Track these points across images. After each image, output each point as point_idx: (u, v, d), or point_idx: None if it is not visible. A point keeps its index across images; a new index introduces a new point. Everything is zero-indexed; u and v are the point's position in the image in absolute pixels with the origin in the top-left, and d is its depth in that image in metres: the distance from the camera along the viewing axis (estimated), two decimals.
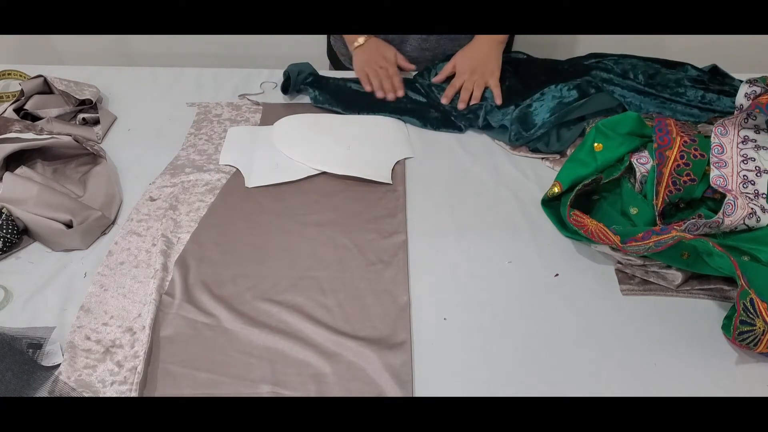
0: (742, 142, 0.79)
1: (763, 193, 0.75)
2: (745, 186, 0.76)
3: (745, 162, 0.78)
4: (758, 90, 0.80)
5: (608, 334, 0.67)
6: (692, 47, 1.34)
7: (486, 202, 0.85)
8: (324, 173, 0.88)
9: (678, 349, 0.66)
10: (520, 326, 0.68)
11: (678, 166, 0.78)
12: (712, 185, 0.76)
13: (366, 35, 1.08)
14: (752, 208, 0.73)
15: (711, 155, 0.79)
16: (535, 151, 0.93)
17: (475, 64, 1.01)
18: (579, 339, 0.67)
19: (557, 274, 0.74)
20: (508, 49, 1.23)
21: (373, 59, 1.06)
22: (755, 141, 0.79)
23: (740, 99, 0.82)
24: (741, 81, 0.84)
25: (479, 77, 1.00)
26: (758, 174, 0.77)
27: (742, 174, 0.77)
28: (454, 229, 0.81)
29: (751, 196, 0.75)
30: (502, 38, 1.04)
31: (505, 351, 0.66)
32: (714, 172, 0.77)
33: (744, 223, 0.73)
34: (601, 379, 0.63)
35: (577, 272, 0.75)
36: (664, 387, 0.62)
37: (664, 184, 0.76)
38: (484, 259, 0.76)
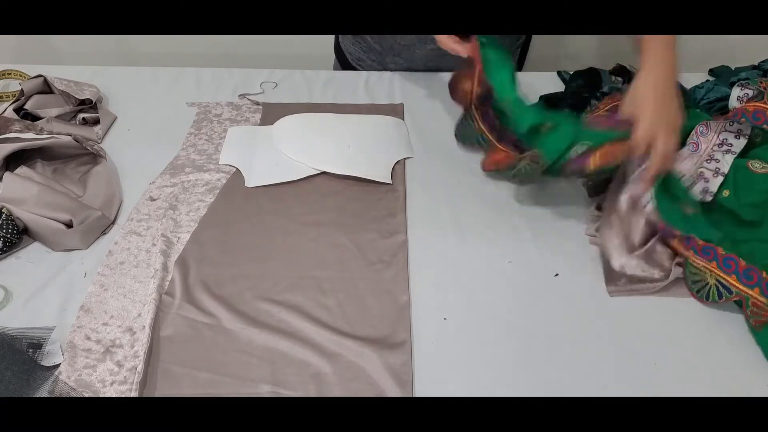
0: (719, 144, 0.78)
1: (711, 192, 0.76)
2: (697, 180, 0.77)
3: (709, 161, 0.77)
4: (750, 93, 0.79)
5: (608, 334, 0.67)
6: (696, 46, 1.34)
7: (486, 202, 0.85)
8: (324, 173, 0.88)
9: (677, 349, 0.66)
10: (520, 326, 0.68)
11: None
12: None
13: None
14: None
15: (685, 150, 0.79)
16: None
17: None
18: (579, 339, 0.67)
19: (557, 274, 0.74)
20: (519, 63, 1.22)
21: None
22: (732, 146, 0.78)
23: (733, 102, 0.81)
24: None
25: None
26: (715, 175, 0.76)
27: (699, 171, 0.77)
28: (454, 229, 0.81)
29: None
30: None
31: (505, 351, 0.66)
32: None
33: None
34: (600, 379, 0.63)
35: (577, 272, 0.75)
36: (663, 387, 0.62)
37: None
38: (484, 259, 0.76)
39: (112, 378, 0.62)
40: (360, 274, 0.74)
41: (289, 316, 0.68)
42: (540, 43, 1.51)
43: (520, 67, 1.21)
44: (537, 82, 1.06)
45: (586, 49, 1.62)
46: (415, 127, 1.00)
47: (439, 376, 0.63)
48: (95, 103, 0.98)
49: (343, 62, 1.22)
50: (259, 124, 1.00)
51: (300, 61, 1.26)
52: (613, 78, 1.00)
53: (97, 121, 0.97)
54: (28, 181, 0.78)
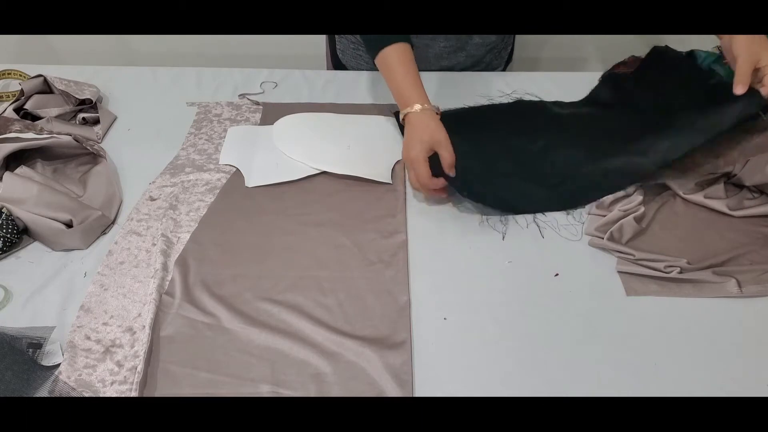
0: None
1: None
2: None
3: None
4: None
5: (608, 333, 0.67)
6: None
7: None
8: (324, 173, 0.88)
9: (678, 349, 0.66)
10: (520, 326, 0.68)
11: None
12: None
13: (422, 103, 0.82)
14: None
15: None
16: None
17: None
18: (579, 339, 0.67)
19: (557, 274, 0.74)
20: (506, 63, 1.22)
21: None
22: None
23: None
24: None
25: None
26: None
27: None
28: (454, 229, 0.81)
29: None
30: None
31: (505, 351, 0.66)
32: None
33: None
34: (601, 379, 0.63)
35: (577, 272, 0.75)
36: (664, 387, 0.62)
37: None
38: (484, 259, 0.76)
39: (112, 378, 0.62)
40: (360, 273, 0.74)
41: (289, 316, 0.68)
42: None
43: (505, 66, 1.21)
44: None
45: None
46: None
47: (439, 376, 0.63)
48: (95, 103, 0.98)
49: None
50: (259, 124, 1.00)
51: (300, 61, 1.26)
52: None
53: (97, 121, 0.97)
54: (28, 181, 0.78)
